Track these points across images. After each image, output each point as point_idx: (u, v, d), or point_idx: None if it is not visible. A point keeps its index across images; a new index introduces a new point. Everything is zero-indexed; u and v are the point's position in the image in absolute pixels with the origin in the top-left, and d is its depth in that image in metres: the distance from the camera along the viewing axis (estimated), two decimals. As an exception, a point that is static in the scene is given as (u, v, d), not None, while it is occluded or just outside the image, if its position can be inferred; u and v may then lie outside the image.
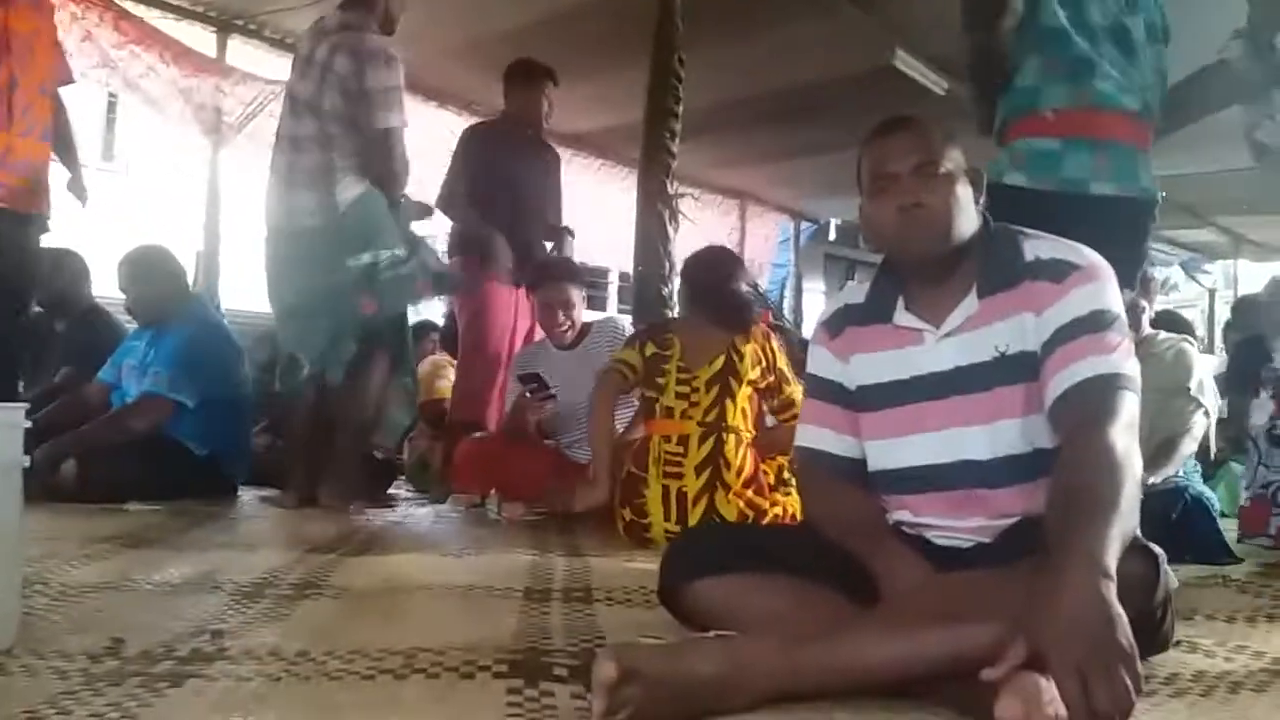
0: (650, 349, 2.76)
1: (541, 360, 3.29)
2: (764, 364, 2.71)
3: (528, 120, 3.86)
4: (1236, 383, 4.99)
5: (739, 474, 2.60)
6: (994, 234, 1.54)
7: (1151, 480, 2.95)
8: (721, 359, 2.68)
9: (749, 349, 2.70)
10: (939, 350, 1.51)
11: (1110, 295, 1.44)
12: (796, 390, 2.76)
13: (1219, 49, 2.32)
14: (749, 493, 2.61)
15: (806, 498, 1.70)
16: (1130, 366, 1.39)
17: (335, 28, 3.11)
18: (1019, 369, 1.45)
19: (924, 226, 1.47)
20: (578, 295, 3.23)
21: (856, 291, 1.67)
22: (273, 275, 3.20)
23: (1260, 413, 2.45)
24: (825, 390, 1.65)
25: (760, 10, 4.41)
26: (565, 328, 3.21)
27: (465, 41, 4.51)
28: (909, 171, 1.48)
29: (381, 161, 3.07)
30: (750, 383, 2.68)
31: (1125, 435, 1.30)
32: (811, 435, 1.65)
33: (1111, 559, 1.11)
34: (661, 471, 2.63)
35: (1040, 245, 1.50)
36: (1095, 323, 1.40)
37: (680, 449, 2.63)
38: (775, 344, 2.77)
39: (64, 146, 3.12)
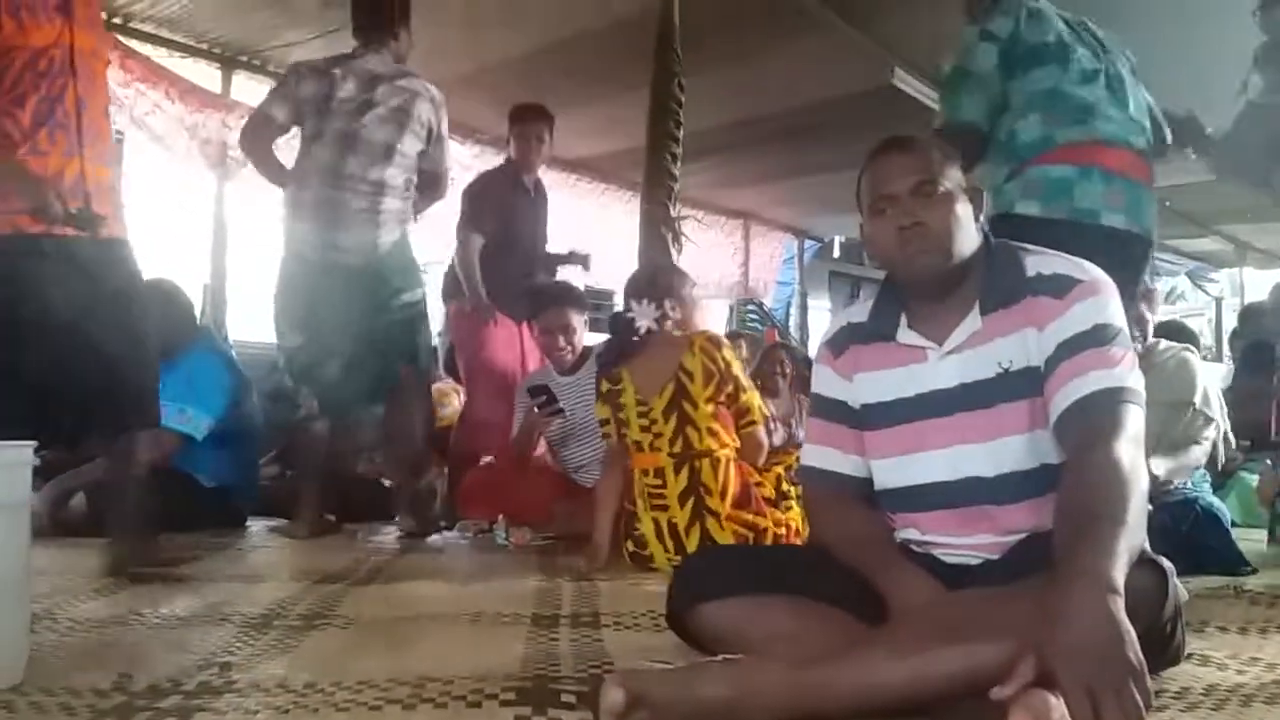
0: (605, 386, 2.75)
1: (544, 385, 3.30)
2: (717, 376, 2.63)
3: (518, 164, 3.89)
4: (1245, 388, 4.97)
5: (724, 496, 2.56)
6: (995, 251, 1.54)
7: (1156, 473, 2.93)
8: (671, 386, 2.62)
9: (697, 364, 2.62)
10: (942, 368, 1.51)
11: (1113, 309, 1.44)
12: (753, 397, 2.75)
13: (1238, 88, 2.38)
14: (742, 514, 2.57)
15: (813, 518, 1.70)
16: (1134, 380, 1.39)
17: (393, 73, 3.19)
18: (1023, 385, 1.45)
19: (925, 245, 1.48)
20: (578, 320, 3.24)
21: (859, 310, 1.67)
22: (302, 309, 3.17)
23: None
24: (830, 409, 1.65)
25: (758, 33, 4.45)
26: (565, 352, 3.22)
27: (468, 71, 4.55)
28: (908, 191, 1.49)
29: (437, 199, 3.42)
30: (710, 399, 2.62)
31: (1131, 449, 1.30)
32: (817, 455, 1.65)
33: (1119, 574, 1.10)
34: (649, 505, 2.62)
35: (1042, 261, 1.50)
36: (1098, 337, 1.40)
37: (659, 481, 2.61)
38: (726, 351, 2.68)
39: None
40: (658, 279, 2.85)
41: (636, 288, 2.79)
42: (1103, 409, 1.34)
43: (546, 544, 3.07)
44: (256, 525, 3.48)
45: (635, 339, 2.72)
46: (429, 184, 3.35)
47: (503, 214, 3.72)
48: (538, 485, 3.24)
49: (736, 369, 2.71)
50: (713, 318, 8.45)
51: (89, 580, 2.25)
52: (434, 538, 3.20)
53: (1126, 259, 2.16)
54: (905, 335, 1.56)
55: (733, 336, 6.80)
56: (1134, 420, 1.34)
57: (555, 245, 4.15)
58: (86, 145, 2.32)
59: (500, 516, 3.13)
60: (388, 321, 3.20)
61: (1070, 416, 1.37)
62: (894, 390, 1.56)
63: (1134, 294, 2.31)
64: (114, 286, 2.35)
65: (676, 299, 2.78)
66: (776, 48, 4.60)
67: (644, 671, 1.15)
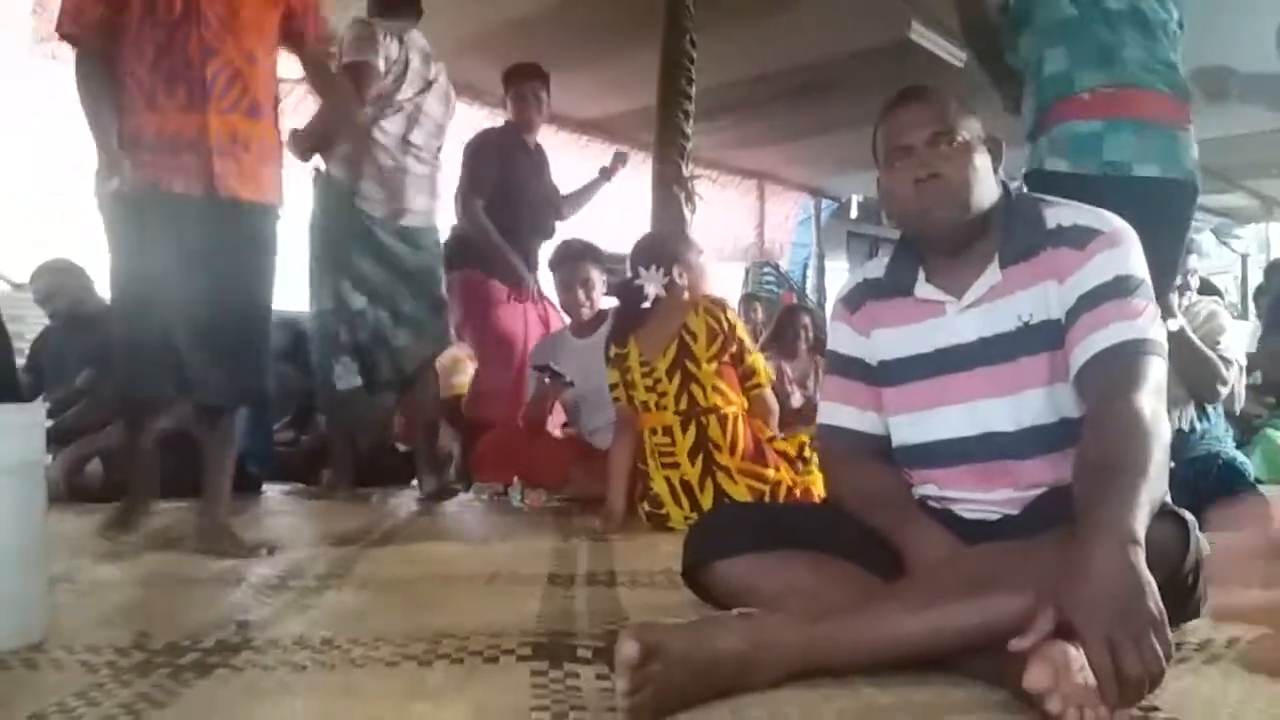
0: (613, 350, 2.77)
1: (561, 350, 3.28)
2: (721, 336, 2.64)
3: (517, 124, 3.84)
4: (1270, 346, 4.91)
5: (733, 451, 2.57)
6: (1015, 203, 1.51)
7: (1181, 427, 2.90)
8: (674, 345, 2.63)
9: (701, 324, 2.64)
10: (961, 322, 1.49)
11: (1135, 260, 1.41)
12: (757, 359, 2.76)
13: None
14: (755, 467, 2.57)
15: (830, 475, 1.69)
16: (1156, 331, 1.36)
17: (426, 48, 3.30)
18: (1043, 338, 1.42)
19: (942, 197, 1.45)
20: (597, 275, 3.21)
21: (876, 266, 1.64)
22: (368, 272, 3.23)
23: None
24: (846, 366, 1.63)
25: (773, -13, 4.37)
26: (584, 307, 3.20)
27: (472, 32, 4.48)
28: (924, 143, 1.46)
29: None
30: (714, 358, 2.63)
31: (1153, 401, 1.27)
32: (833, 412, 1.63)
33: (1140, 526, 1.09)
34: (660, 464, 2.63)
35: (1062, 212, 1.47)
36: (1120, 288, 1.37)
37: (668, 439, 2.62)
38: (730, 314, 2.70)
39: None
40: (665, 246, 2.85)
41: (643, 255, 2.79)
42: (1124, 361, 1.32)
43: (562, 506, 3.08)
44: (272, 490, 3.51)
45: (644, 306, 2.72)
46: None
47: (504, 174, 3.68)
48: (552, 448, 3.24)
49: (740, 331, 2.72)
50: (728, 280, 8.42)
51: (107, 544, 2.27)
52: (450, 501, 3.21)
53: (1168, 207, 2.10)
54: (923, 290, 1.53)
55: (748, 299, 6.79)
56: (1156, 371, 1.32)
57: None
58: (214, 98, 2.16)
59: (515, 479, 3.14)
60: (436, 286, 3.35)
61: (1091, 369, 1.34)
62: (912, 346, 1.54)
63: (1181, 243, 2.26)
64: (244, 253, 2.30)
65: (684, 265, 2.78)
66: (790, 2, 4.52)
67: (659, 625, 1.14)
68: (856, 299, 1.63)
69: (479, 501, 3.28)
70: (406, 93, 3.19)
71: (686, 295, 2.77)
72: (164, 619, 1.54)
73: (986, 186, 1.47)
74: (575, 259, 3.23)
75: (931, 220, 1.48)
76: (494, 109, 5.42)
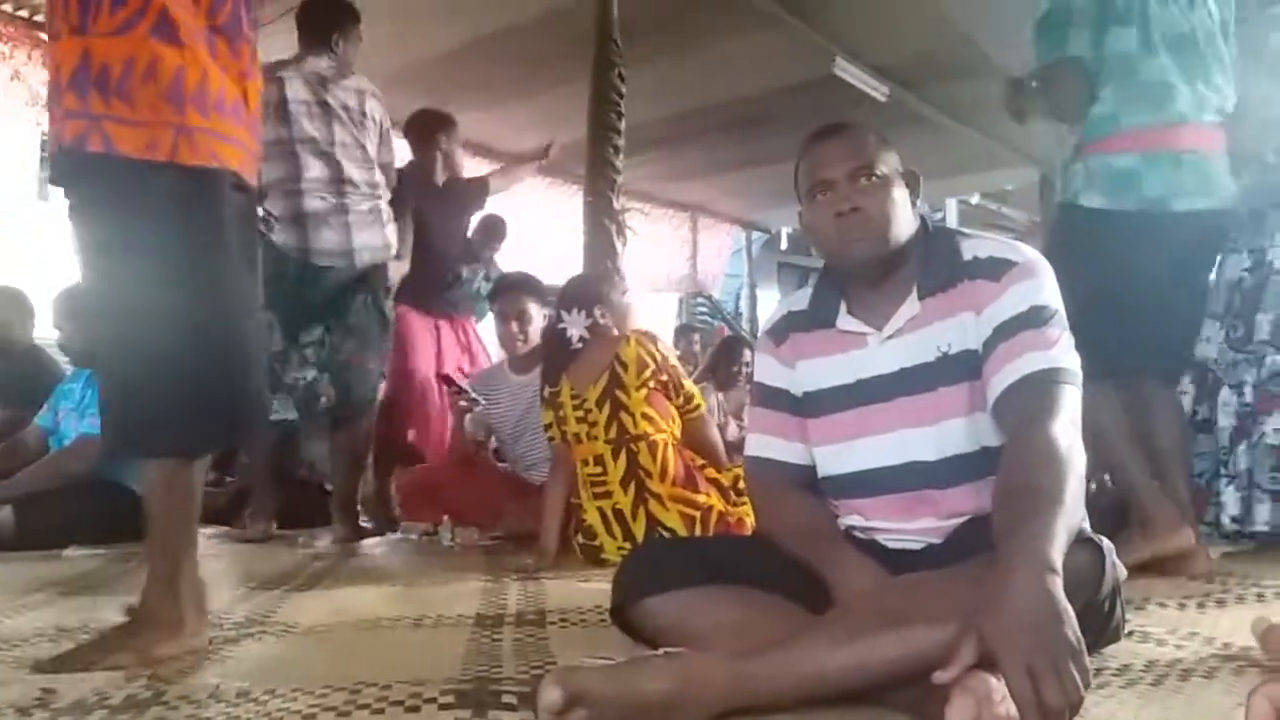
0: (546, 391, 2.78)
1: (499, 384, 3.26)
2: (652, 365, 2.66)
3: (422, 179, 3.83)
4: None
5: (664, 477, 2.57)
6: (932, 235, 1.54)
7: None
8: (605, 376, 2.65)
9: (632, 354, 2.65)
10: (882, 353, 1.51)
11: (1049, 291, 1.44)
12: (693, 387, 2.78)
13: None
14: (685, 493, 2.57)
15: (757, 507, 1.69)
16: (1070, 360, 1.39)
17: (338, 74, 3.15)
18: (962, 368, 1.45)
19: (862, 231, 1.47)
20: (535, 309, 3.20)
21: (800, 298, 1.66)
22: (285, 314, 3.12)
23: (1186, 399, 2.47)
24: (772, 398, 1.64)
25: (699, 25, 4.44)
26: (519, 339, 3.18)
27: (400, 67, 4.45)
28: (845, 177, 1.48)
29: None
30: (642, 385, 2.63)
31: (1068, 430, 1.30)
32: (760, 444, 1.64)
33: (1057, 554, 1.10)
34: (592, 494, 2.62)
35: (979, 244, 1.50)
36: (1034, 319, 1.40)
37: (600, 469, 2.62)
38: (661, 346, 2.73)
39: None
40: (587, 288, 2.86)
41: (566, 299, 2.81)
42: (1039, 390, 1.34)
43: (494, 544, 3.04)
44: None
45: (570, 349, 2.73)
46: (383, 184, 3.31)
47: (413, 214, 3.65)
48: (484, 485, 3.20)
49: (673, 360, 2.73)
50: (662, 311, 8.46)
51: (15, 595, 2.17)
52: (372, 542, 3.15)
53: (1204, 236, 2.13)
54: (845, 321, 1.55)
55: (685, 330, 6.82)
56: (1070, 401, 1.35)
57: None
58: (98, 16, 1.60)
59: (445, 518, 3.09)
60: (367, 322, 3.21)
61: (1007, 398, 1.37)
62: (835, 377, 1.55)
63: (1211, 267, 2.32)
64: None
65: (607, 306, 2.78)
66: (718, 39, 4.59)
67: (583, 668, 1.12)
68: (781, 331, 1.64)
69: (408, 541, 3.21)
70: (281, 133, 3.03)
71: (615, 333, 2.77)
72: (71, 674, 1.46)
73: (905, 219, 1.50)
74: (510, 290, 3.21)
75: (853, 253, 1.50)
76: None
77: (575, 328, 2.72)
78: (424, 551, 3.01)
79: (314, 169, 3.06)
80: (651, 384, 2.65)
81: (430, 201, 3.80)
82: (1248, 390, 2.32)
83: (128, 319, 1.57)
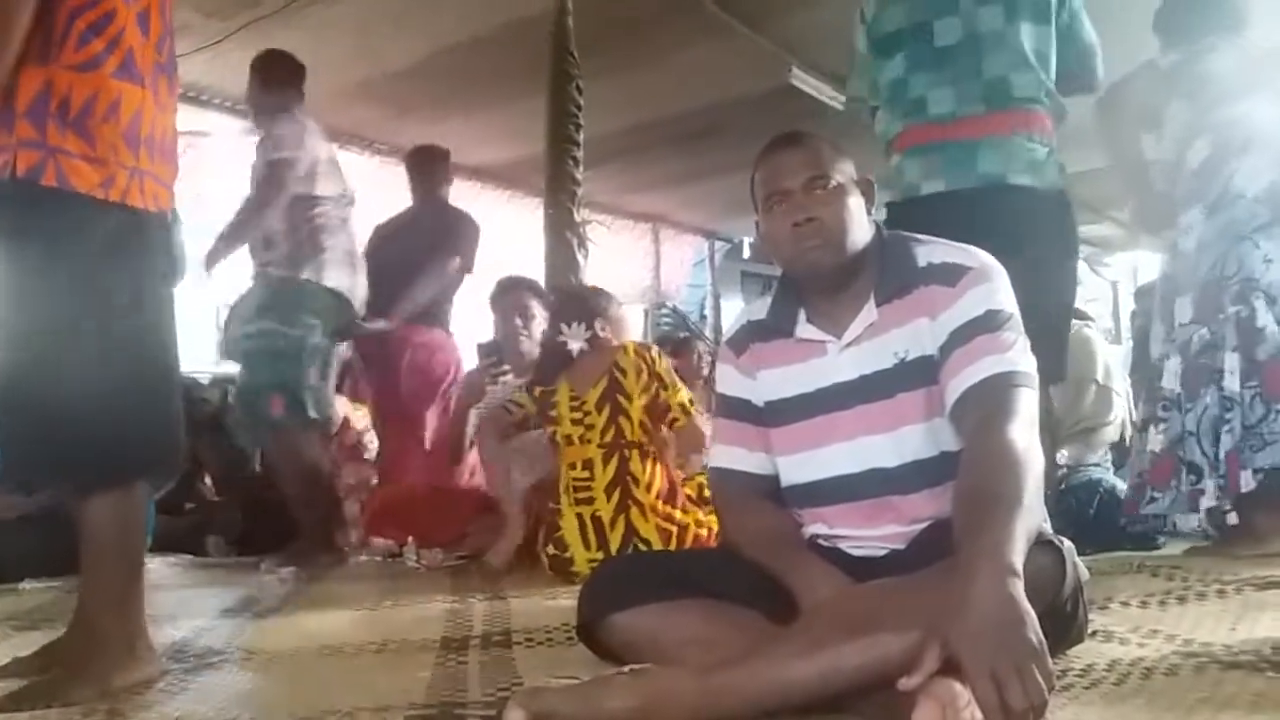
0: (538, 391, 2.78)
1: (499, 389, 3.24)
2: (646, 373, 2.67)
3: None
4: (1143, 365, 5.15)
5: (650, 489, 2.58)
6: (888, 242, 1.55)
7: (1061, 462, 3.02)
8: (605, 379, 2.66)
9: (630, 362, 2.67)
10: (842, 360, 1.52)
11: (1003, 295, 1.45)
12: (673, 397, 2.73)
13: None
14: (666, 508, 2.58)
15: (722, 518, 1.69)
16: (1027, 363, 1.41)
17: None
18: (919, 374, 1.45)
19: (819, 240, 1.48)
20: (536, 306, 3.18)
21: (759, 308, 1.66)
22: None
23: (1142, 402, 2.55)
24: (734, 408, 1.64)
25: (656, 37, 4.44)
26: (524, 334, 3.15)
27: (359, 80, 4.43)
28: (800, 187, 1.49)
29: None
30: (643, 392, 2.65)
31: (1025, 432, 1.31)
32: (723, 455, 1.64)
33: (1017, 557, 1.11)
34: (573, 499, 2.61)
35: (933, 250, 1.51)
36: (989, 323, 1.41)
37: (587, 473, 2.61)
38: (654, 352, 2.75)
39: None
40: (586, 302, 2.86)
41: (566, 312, 2.81)
42: (996, 393, 1.35)
43: (460, 564, 3.01)
44: (154, 562, 3.32)
45: (569, 360, 2.74)
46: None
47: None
48: (450, 503, 3.17)
49: (661, 368, 2.72)
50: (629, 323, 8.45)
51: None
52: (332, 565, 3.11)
53: (993, 214, 2.11)
54: (804, 330, 1.56)
55: (684, 343, 6.81)
56: (1027, 403, 1.36)
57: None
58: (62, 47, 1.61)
59: (410, 539, 3.05)
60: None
61: (965, 402, 1.37)
62: (796, 385, 1.56)
63: (1073, 260, 2.38)
64: None
65: (606, 319, 2.80)
66: (676, 51, 4.60)
67: (547, 689, 1.11)
68: (741, 341, 1.64)
69: (373, 564, 3.17)
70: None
71: (614, 343, 2.80)
72: (30, 710, 1.43)
73: (861, 227, 1.51)
74: (510, 290, 3.22)
75: (810, 262, 1.50)
76: (385, 157, 5.37)
77: (575, 340, 2.74)
78: (389, 574, 2.97)
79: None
80: (651, 392, 2.67)
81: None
82: (1168, 376, 2.40)
83: (61, 353, 1.54)
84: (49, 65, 1.53)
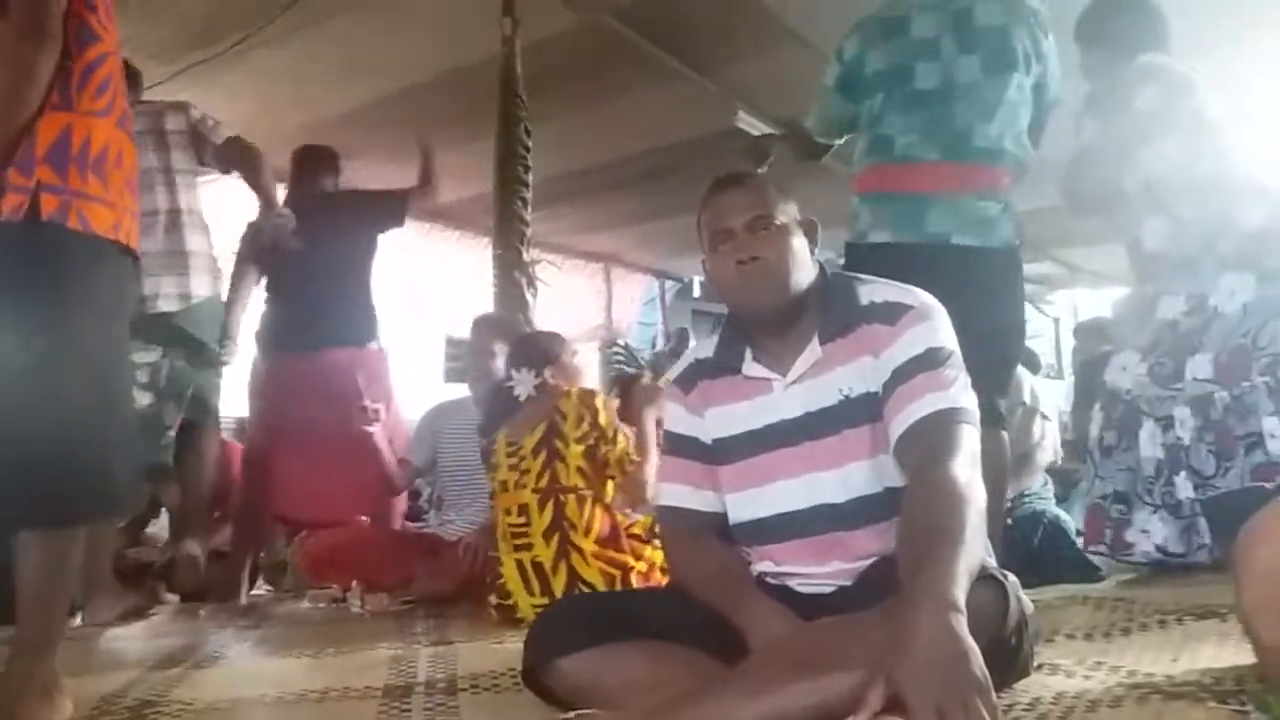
0: (483, 445, 2.80)
1: (455, 416, 3.23)
2: (588, 422, 2.65)
3: None
4: (1084, 401, 5.26)
5: (588, 533, 2.54)
6: (831, 281, 1.57)
7: (1010, 493, 3.05)
8: (544, 424, 2.64)
9: (571, 406, 2.66)
10: (787, 398, 1.53)
11: (944, 333, 1.48)
12: (618, 449, 2.70)
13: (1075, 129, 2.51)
14: (609, 551, 2.54)
15: (670, 556, 1.68)
16: (967, 400, 1.42)
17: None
18: (863, 411, 1.47)
19: (762, 279, 1.50)
20: (499, 346, 3.15)
21: (707, 345, 1.68)
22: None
23: (1094, 425, 2.55)
24: (683, 446, 1.64)
25: (604, 81, 4.51)
26: (477, 375, 3.17)
27: (300, 126, 4.39)
28: (744, 227, 1.52)
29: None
30: (580, 439, 2.63)
31: (967, 468, 1.32)
32: (671, 492, 1.63)
33: (960, 592, 1.11)
34: (512, 546, 2.56)
35: (874, 290, 1.54)
36: (930, 360, 1.43)
37: (523, 519, 2.57)
38: (599, 401, 2.72)
39: None
40: (537, 347, 2.85)
41: (516, 358, 2.80)
42: (937, 431, 1.37)
43: (405, 608, 2.95)
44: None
45: (515, 405, 2.73)
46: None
47: None
48: (395, 546, 3.12)
49: (603, 419, 2.68)
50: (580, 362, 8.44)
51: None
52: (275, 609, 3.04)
53: (937, 270, 2.09)
54: (750, 368, 1.57)
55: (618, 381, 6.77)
56: (969, 439, 1.37)
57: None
58: (81, 95, 1.69)
59: (354, 583, 2.99)
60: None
61: (908, 439, 1.39)
62: (743, 423, 1.56)
63: (1020, 309, 2.42)
64: None
65: (556, 367, 2.78)
66: (624, 94, 4.67)
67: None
68: (689, 379, 1.65)
69: (316, 609, 3.10)
70: None
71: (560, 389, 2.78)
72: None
73: (804, 267, 1.53)
74: (473, 329, 3.30)
75: (753, 301, 1.53)
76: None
77: (523, 386, 2.72)
78: (332, 619, 2.90)
79: None
80: (590, 441, 2.63)
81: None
82: (1178, 426, 2.35)
83: (74, 391, 1.58)
84: (70, 111, 1.60)
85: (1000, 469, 2.31)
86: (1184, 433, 2.34)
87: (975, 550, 1.20)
